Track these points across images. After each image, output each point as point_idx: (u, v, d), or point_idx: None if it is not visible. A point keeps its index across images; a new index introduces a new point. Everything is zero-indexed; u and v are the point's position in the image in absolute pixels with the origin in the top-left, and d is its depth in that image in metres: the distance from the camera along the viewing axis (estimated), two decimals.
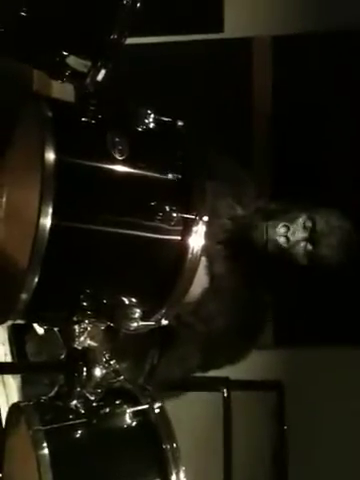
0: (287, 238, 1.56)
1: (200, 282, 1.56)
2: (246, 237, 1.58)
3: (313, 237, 1.56)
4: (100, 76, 1.03)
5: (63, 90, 1.10)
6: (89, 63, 1.03)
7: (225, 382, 1.92)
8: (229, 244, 1.59)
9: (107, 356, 1.03)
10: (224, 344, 1.61)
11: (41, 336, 1.15)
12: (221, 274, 1.58)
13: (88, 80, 1.04)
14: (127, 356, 1.52)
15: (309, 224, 1.56)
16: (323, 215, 1.59)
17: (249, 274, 1.60)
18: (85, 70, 1.03)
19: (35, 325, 1.18)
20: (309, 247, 1.56)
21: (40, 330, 1.13)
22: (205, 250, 1.48)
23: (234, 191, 1.65)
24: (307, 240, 1.56)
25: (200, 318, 1.58)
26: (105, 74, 1.03)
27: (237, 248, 1.59)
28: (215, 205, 1.59)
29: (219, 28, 2.14)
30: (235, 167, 1.75)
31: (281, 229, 1.56)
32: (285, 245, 1.55)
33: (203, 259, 1.55)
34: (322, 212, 1.59)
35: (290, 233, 1.56)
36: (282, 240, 1.55)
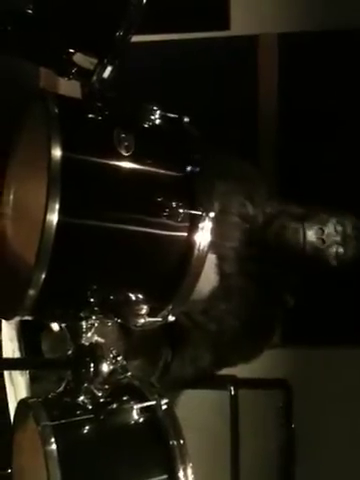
0: (323, 240, 1.57)
1: (209, 281, 1.56)
2: (279, 238, 1.59)
3: (344, 240, 1.59)
4: (106, 73, 1.03)
5: (69, 87, 1.10)
6: (95, 60, 1.03)
7: (232, 380, 1.92)
8: (240, 243, 1.59)
9: (115, 352, 1.03)
10: (236, 343, 1.61)
11: (56, 333, 1.15)
12: (232, 273, 1.58)
13: (94, 77, 1.04)
14: (140, 354, 1.52)
15: (340, 227, 1.59)
16: (348, 218, 1.62)
17: (260, 273, 1.60)
18: (91, 67, 1.03)
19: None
20: (340, 250, 1.58)
21: (56, 327, 1.13)
22: (215, 248, 1.48)
23: (244, 189, 1.65)
24: (339, 243, 1.58)
25: (212, 317, 1.58)
26: (111, 71, 1.04)
27: (257, 247, 1.59)
28: (226, 203, 1.60)
29: (225, 25, 2.13)
30: (244, 165, 1.75)
31: (318, 232, 1.58)
32: (321, 247, 1.58)
33: (213, 257, 1.55)
34: (347, 216, 1.63)
35: (325, 236, 1.58)
36: (319, 242, 1.57)
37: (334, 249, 1.58)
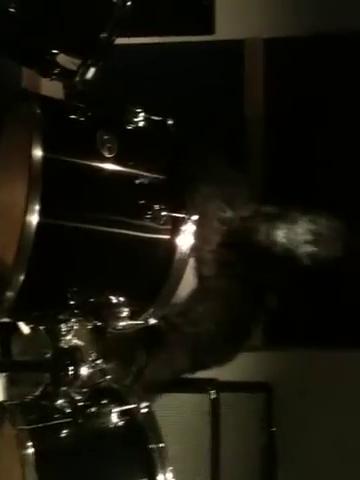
0: (291, 240, 1.57)
1: (188, 283, 1.56)
2: (248, 239, 1.58)
3: (314, 239, 1.58)
4: (89, 74, 1.03)
5: (52, 88, 1.09)
6: (79, 61, 1.02)
7: (213, 383, 1.92)
8: (219, 246, 1.59)
9: (94, 355, 1.02)
10: (212, 346, 1.61)
11: (27, 335, 1.14)
12: (210, 275, 1.58)
13: (77, 78, 1.03)
14: (114, 357, 1.51)
15: (311, 226, 1.58)
16: (321, 217, 1.60)
17: (239, 276, 1.60)
18: (75, 68, 1.03)
19: (21, 324, 1.17)
20: (311, 249, 1.58)
21: (26, 329, 1.12)
22: (194, 251, 1.48)
23: (225, 193, 1.65)
24: (309, 242, 1.57)
25: (188, 320, 1.57)
26: (94, 72, 1.03)
27: (229, 250, 1.59)
28: (206, 206, 1.60)
29: (211, 30, 2.14)
30: (227, 169, 1.75)
31: (285, 231, 1.57)
32: (289, 247, 1.57)
33: (191, 260, 1.55)
34: (320, 214, 1.61)
35: (293, 235, 1.57)
36: (286, 242, 1.57)
37: (305, 248, 1.58)
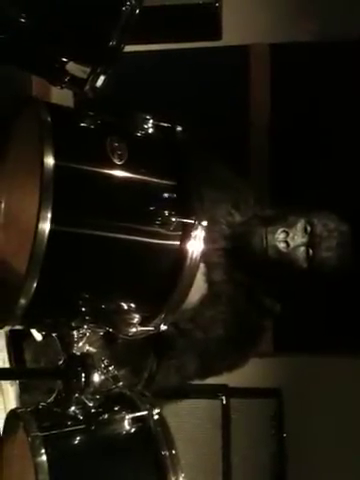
0: (287, 243, 1.55)
1: (198, 289, 1.55)
2: (245, 243, 1.57)
3: (313, 242, 1.55)
4: (99, 82, 1.03)
5: (62, 96, 1.10)
6: (88, 69, 1.03)
7: (224, 389, 1.91)
8: (227, 250, 1.59)
9: (106, 362, 1.02)
10: (222, 351, 1.60)
11: (39, 342, 1.14)
12: (219, 281, 1.58)
13: (87, 86, 1.04)
14: (125, 363, 1.51)
15: (308, 228, 1.56)
16: (321, 219, 1.58)
17: (248, 281, 1.59)
18: (84, 76, 1.03)
19: (33, 331, 1.17)
20: (309, 252, 1.55)
21: (38, 336, 1.13)
22: (203, 256, 1.48)
23: (232, 198, 1.65)
24: (307, 245, 1.55)
25: (198, 325, 1.57)
26: (104, 80, 1.04)
27: (236, 254, 1.59)
28: (213, 212, 1.59)
29: (217, 36, 2.15)
30: (232, 174, 1.75)
31: (281, 234, 1.55)
32: (285, 250, 1.54)
33: (201, 265, 1.55)
34: (320, 216, 1.59)
35: (290, 238, 1.55)
36: (282, 245, 1.55)
37: (302, 251, 1.55)
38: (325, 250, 1.55)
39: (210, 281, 1.57)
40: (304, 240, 1.55)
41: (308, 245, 1.55)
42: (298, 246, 1.55)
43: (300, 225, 1.56)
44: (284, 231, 1.55)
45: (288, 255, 1.55)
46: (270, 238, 1.54)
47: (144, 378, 1.56)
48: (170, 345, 1.56)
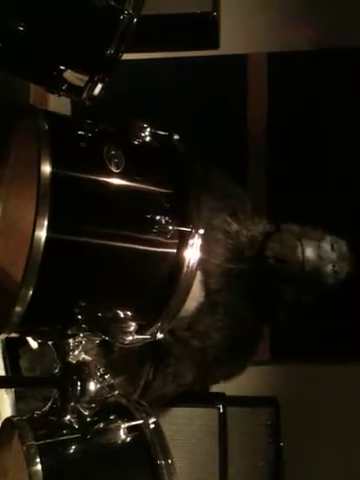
0: (320, 258, 1.56)
1: (195, 297, 1.55)
2: (248, 253, 1.57)
3: (319, 253, 1.57)
4: (97, 90, 1.04)
5: (60, 104, 1.10)
6: (86, 77, 1.03)
7: (221, 398, 1.91)
8: (233, 258, 1.59)
9: (102, 370, 1.02)
10: (219, 360, 1.60)
11: (35, 351, 1.14)
12: (217, 289, 1.58)
13: (85, 94, 1.04)
14: (122, 371, 1.50)
15: (336, 245, 1.58)
16: (343, 236, 1.61)
17: (245, 290, 1.59)
18: (82, 84, 1.04)
19: (29, 340, 1.17)
20: (336, 267, 1.57)
21: (34, 345, 1.12)
22: (201, 264, 1.47)
23: (230, 206, 1.66)
24: (335, 261, 1.57)
25: (196, 333, 1.57)
26: (102, 88, 1.04)
27: (235, 264, 1.59)
28: (211, 220, 1.60)
29: (215, 45, 2.16)
30: (232, 182, 1.75)
31: (315, 249, 1.56)
32: (318, 265, 1.56)
33: (199, 274, 1.55)
34: (325, 229, 1.62)
35: (322, 252, 1.56)
36: (316, 260, 1.55)
37: (330, 267, 1.57)
38: (347, 266, 1.58)
39: (207, 289, 1.57)
40: (333, 256, 1.57)
41: (336, 261, 1.57)
42: (328, 261, 1.57)
43: (328, 241, 1.58)
44: (318, 245, 1.56)
45: (319, 269, 1.56)
46: (307, 252, 1.55)
47: (141, 386, 1.56)
48: (167, 353, 1.56)
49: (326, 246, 1.58)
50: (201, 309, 1.56)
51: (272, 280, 1.58)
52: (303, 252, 1.56)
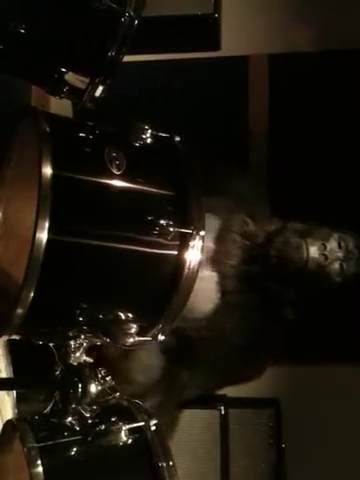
0: (326, 256, 1.55)
1: (212, 298, 1.54)
2: (283, 254, 1.56)
3: (347, 256, 1.57)
4: (98, 92, 1.04)
5: (61, 106, 1.10)
6: (87, 79, 1.04)
7: (222, 399, 1.90)
8: (246, 259, 1.58)
9: (103, 372, 1.02)
10: (243, 361, 1.59)
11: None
12: (232, 290, 1.57)
13: (86, 96, 1.04)
14: (160, 377, 1.51)
15: (342, 243, 1.57)
16: (350, 234, 1.60)
17: (263, 290, 1.58)
18: (83, 86, 1.04)
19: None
20: (343, 266, 1.56)
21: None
22: (217, 266, 1.46)
23: (247, 207, 1.65)
24: (342, 259, 1.56)
25: (217, 336, 1.56)
26: (103, 90, 1.04)
27: (259, 264, 1.58)
28: (228, 221, 1.59)
29: (216, 46, 2.16)
30: (252, 184, 1.75)
31: (320, 247, 1.55)
32: (324, 263, 1.54)
33: (215, 275, 1.54)
34: (348, 232, 1.60)
35: (328, 252, 1.55)
36: (321, 258, 1.54)
37: (337, 265, 1.56)
38: (354, 265, 1.57)
39: (224, 291, 1.56)
40: (340, 254, 1.56)
41: (343, 260, 1.56)
42: (334, 260, 1.56)
43: (335, 239, 1.57)
44: (323, 244, 1.55)
45: (325, 268, 1.55)
46: (312, 250, 1.54)
47: (178, 392, 1.56)
48: (196, 358, 1.55)
49: (332, 245, 1.56)
50: (217, 311, 1.56)
51: (278, 280, 1.57)
52: (307, 251, 1.55)
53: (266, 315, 1.59)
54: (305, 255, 1.54)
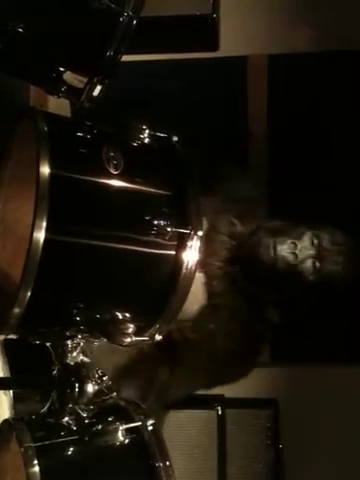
0: (295, 255, 1.54)
1: (197, 300, 1.55)
2: (253, 254, 1.57)
3: (320, 254, 1.55)
4: (96, 92, 1.04)
5: (59, 105, 1.10)
6: (85, 79, 1.04)
7: (220, 400, 1.91)
8: (230, 260, 1.58)
9: (100, 372, 1.02)
10: (228, 361, 1.59)
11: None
12: (220, 291, 1.57)
13: (84, 96, 1.04)
14: (137, 374, 1.50)
15: (316, 241, 1.56)
16: (327, 232, 1.58)
17: (250, 291, 1.59)
18: (81, 86, 1.04)
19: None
20: (317, 264, 1.55)
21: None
22: (204, 266, 1.47)
23: (236, 208, 1.65)
24: (314, 257, 1.55)
25: (204, 336, 1.56)
26: (101, 90, 1.04)
27: (240, 264, 1.58)
28: (215, 222, 1.59)
29: (215, 46, 2.16)
30: (246, 186, 1.75)
31: (289, 246, 1.54)
32: (293, 262, 1.54)
33: (201, 276, 1.54)
34: (326, 229, 1.59)
35: (298, 250, 1.55)
36: (291, 257, 1.54)
37: (309, 263, 1.55)
38: (331, 263, 1.56)
39: (210, 291, 1.57)
40: (312, 252, 1.55)
41: (315, 258, 1.55)
42: (306, 258, 1.55)
43: (307, 237, 1.56)
44: (293, 243, 1.55)
45: (296, 267, 1.54)
46: (279, 249, 1.54)
47: (156, 389, 1.55)
48: (180, 356, 1.55)
49: (305, 243, 1.55)
50: (203, 312, 1.56)
51: (253, 280, 1.57)
52: (275, 250, 1.54)
53: (252, 316, 1.59)
54: (273, 254, 1.54)
